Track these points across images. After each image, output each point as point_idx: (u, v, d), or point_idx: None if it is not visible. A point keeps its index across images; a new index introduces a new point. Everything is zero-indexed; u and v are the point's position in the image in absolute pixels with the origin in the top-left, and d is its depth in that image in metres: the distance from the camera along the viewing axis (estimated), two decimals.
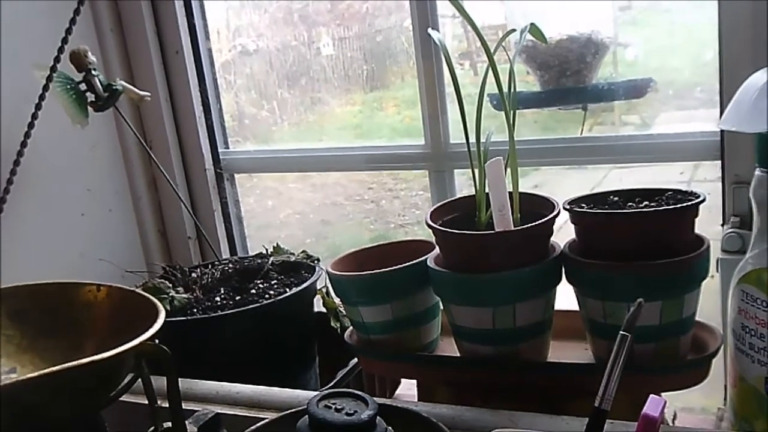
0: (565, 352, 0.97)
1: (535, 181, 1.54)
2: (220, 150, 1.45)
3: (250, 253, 1.37)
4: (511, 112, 1.00)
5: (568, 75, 1.20)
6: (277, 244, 1.29)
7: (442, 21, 1.28)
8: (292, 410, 0.80)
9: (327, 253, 1.70)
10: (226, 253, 1.46)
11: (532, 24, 1.07)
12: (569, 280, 0.93)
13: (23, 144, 1.06)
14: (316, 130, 1.59)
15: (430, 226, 0.95)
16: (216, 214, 1.44)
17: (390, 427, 0.73)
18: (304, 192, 1.69)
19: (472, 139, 0.99)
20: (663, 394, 0.84)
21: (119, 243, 1.38)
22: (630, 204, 0.94)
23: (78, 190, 1.31)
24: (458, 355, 0.98)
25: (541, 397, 0.93)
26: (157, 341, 1.09)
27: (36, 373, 0.76)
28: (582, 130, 1.23)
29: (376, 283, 0.99)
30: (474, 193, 1.00)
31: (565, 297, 0.97)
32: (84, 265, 1.28)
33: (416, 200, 1.68)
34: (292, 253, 1.26)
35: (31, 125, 1.07)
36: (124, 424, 0.92)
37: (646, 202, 0.92)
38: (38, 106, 1.07)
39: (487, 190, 0.95)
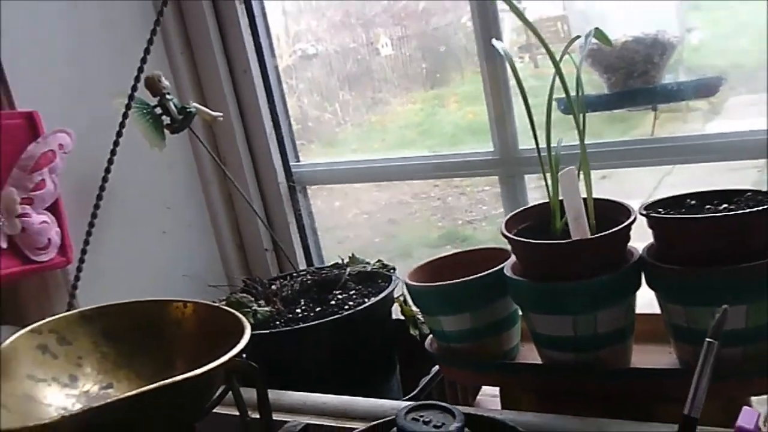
0: (649, 357, 0.97)
1: (602, 172, 1.53)
2: (291, 163, 1.48)
3: (326, 263, 1.40)
4: (581, 116, 1.01)
5: (635, 76, 1.20)
6: (353, 254, 1.32)
7: (501, 15, 1.27)
8: (379, 421, 0.82)
9: (396, 252, 1.74)
10: (302, 264, 1.49)
11: (596, 28, 1.07)
12: (650, 286, 0.93)
13: (107, 170, 1.11)
14: (379, 130, 1.60)
15: (506, 236, 0.96)
16: (291, 226, 1.48)
17: None
18: (371, 192, 1.70)
19: (542, 144, 1.00)
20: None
21: (200, 258, 1.43)
22: (708, 207, 0.93)
23: (158, 208, 1.35)
24: (539, 361, 0.99)
25: (626, 404, 0.93)
26: (244, 355, 1.13)
27: (136, 391, 0.80)
28: (653, 130, 1.22)
29: (454, 293, 1.00)
30: (546, 200, 1.01)
31: (646, 299, 0.98)
32: (168, 281, 1.33)
33: (482, 196, 1.68)
34: (368, 263, 1.29)
35: (113, 152, 1.11)
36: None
37: (725, 204, 0.92)
38: (119, 134, 1.12)
39: (561, 198, 0.96)
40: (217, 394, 0.92)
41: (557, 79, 1.01)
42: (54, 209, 1.10)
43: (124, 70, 1.22)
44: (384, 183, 1.62)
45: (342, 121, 1.61)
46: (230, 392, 0.91)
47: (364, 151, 1.62)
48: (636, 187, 1.35)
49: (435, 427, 0.73)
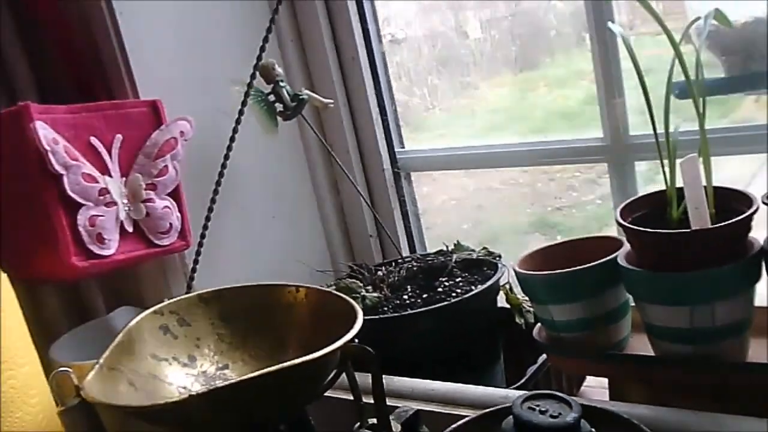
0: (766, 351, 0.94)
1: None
2: (396, 150, 1.49)
3: (429, 250, 1.41)
4: (701, 100, 0.98)
5: (755, 58, 1.15)
6: (458, 241, 1.32)
7: None
8: (493, 409, 0.82)
9: (484, 238, 1.71)
10: (405, 251, 1.51)
11: (716, 9, 1.04)
12: None
13: (226, 157, 1.14)
14: (467, 115, 1.59)
15: (621, 225, 0.94)
16: (395, 213, 1.49)
17: (593, 430, 0.74)
18: (459, 178, 1.70)
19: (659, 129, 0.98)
20: None
21: (306, 243, 1.46)
22: None
23: (268, 194, 1.39)
24: (650, 353, 0.97)
25: (742, 399, 0.91)
26: (356, 340, 1.15)
27: (257, 373, 0.83)
28: None
29: (566, 282, 1.00)
30: (664, 188, 0.99)
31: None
32: (276, 266, 1.36)
33: (573, 182, 1.64)
34: (473, 250, 1.29)
35: (232, 139, 1.15)
36: (328, 416, 0.97)
37: None
38: (238, 121, 1.15)
39: (679, 185, 0.94)
40: (330, 377, 0.95)
41: (676, 62, 0.99)
42: (175, 195, 1.15)
43: (239, 59, 1.26)
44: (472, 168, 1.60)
45: (430, 105, 1.61)
46: (342, 376, 0.93)
47: (453, 136, 1.62)
48: (733, 175, 1.31)
49: (552, 417, 0.73)
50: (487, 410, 0.81)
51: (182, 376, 1.01)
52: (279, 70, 1.25)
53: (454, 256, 1.25)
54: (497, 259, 1.24)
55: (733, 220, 0.87)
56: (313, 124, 1.46)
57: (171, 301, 1.05)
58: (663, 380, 0.96)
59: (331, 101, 1.32)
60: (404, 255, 1.41)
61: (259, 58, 1.17)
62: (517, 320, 1.19)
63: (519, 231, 1.75)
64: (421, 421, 0.94)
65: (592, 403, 0.83)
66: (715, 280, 0.88)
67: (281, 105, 1.27)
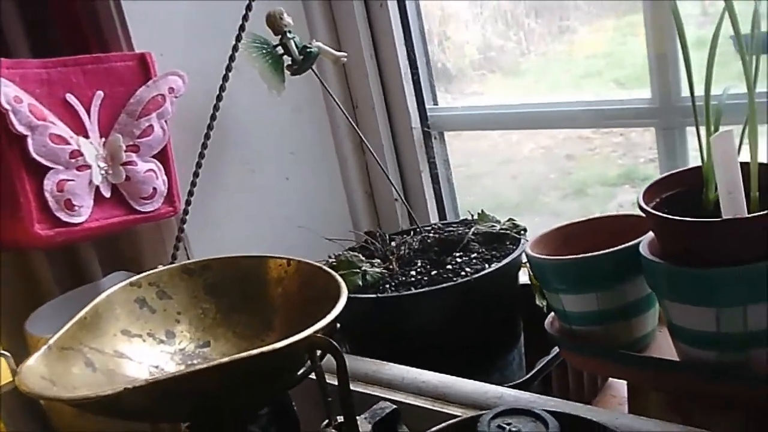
0: None
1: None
2: (427, 107, 1.36)
3: (462, 217, 1.29)
4: (755, 58, 0.81)
5: None
6: (482, 210, 1.19)
7: None
8: (458, 420, 0.71)
9: (570, 189, 1.64)
10: (434, 217, 1.39)
11: None
12: None
13: (212, 117, 1.05)
14: (564, 60, 1.47)
15: (641, 209, 0.80)
16: (423, 175, 1.37)
17: None
18: None
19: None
20: None
21: (326, 206, 1.36)
22: None
23: (282, 153, 1.29)
24: (674, 357, 0.83)
25: None
26: (338, 325, 1.05)
27: (208, 364, 0.75)
28: None
29: (580, 269, 0.86)
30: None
31: None
32: (290, 231, 1.27)
33: None
34: (498, 221, 1.16)
35: (219, 97, 1.05)
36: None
37: None
38: (225, 78, 1.06)
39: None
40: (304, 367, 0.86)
41: (726, 14, 0.82)
42: (162, 157, 1.06)
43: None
44: None
45: (526, 50, 1.49)
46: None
47: (547, 82, 1.52)
48: None
49: None
50: (451, 422, 0.70)
51: (156, 353, 0.94)
52: (288, 19, 1.14)
53: (473, 228, 1.12)
54: (522, 233, 1.11)
55: None
56: (338, 77, 1.35)
57: (151, 272, 0.98)
58: (682, 389, 0.82)
59: (345, 54, 1.20)
60: (428, 223, 1.29)
61: (248, 4, 1.05)
62: (538, 302, 1.06)
63: (608, 183, 1.65)
64: (399, 420, 0.84)
65: (580, 413, 0.70)
66: (748, 279, 0.73)
67: (290, 58, 1.15)
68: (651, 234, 0.83)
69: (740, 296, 0.74)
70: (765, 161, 0.80)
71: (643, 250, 0.82)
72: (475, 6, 1.45)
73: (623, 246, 0.84)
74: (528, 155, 1.66)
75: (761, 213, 0.72)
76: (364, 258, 1.10)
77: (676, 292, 0.78)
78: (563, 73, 1.50)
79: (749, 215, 0.74)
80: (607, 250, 0.85)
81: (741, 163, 0.78)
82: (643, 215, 0.84)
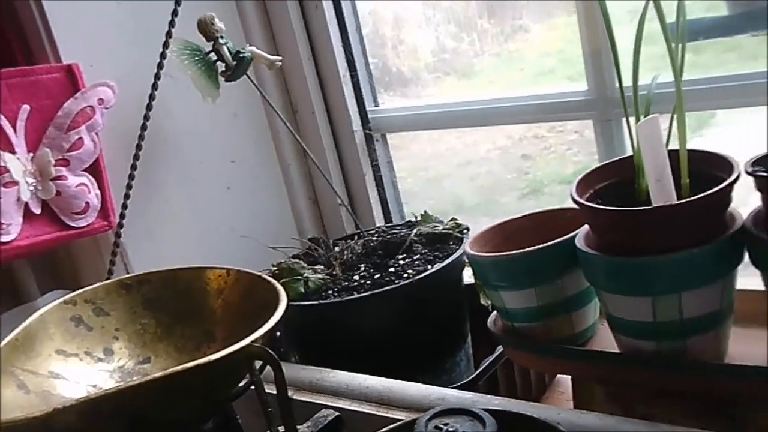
0: (751, 347, 0.79)
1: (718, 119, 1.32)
2: (368, 109, 1.35)
3: (408, 219, 1.28)
4: (679, 46, 0.82)
5: None
6: (425, 211, 1.18)
7: None
8: (397, 425, 0.70)
9: (527, 189, 1.63)
10: (380, 220, 1.37)
11: None
12: (753, 263, 0.74)
13: (143, 127, 1.03)
14: (518, 59, 1.48)
15: (574, 200, 0.79)
16: (367, 179, 1.36)
17: None
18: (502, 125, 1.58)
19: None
20: None
21: (269, 213, 1.33)
22: None
23: (222, 162, 1.26)
24: (615, 349, 0.83)
25: (719, 404, 0.76)
26: (278, 333, 1.03)
27: (140, 380, 0.73)
28: None
29: (516, 265, 0.86)
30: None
31: None
32: (232, 242, 1.25)
33: None
34: (441, 222, 1.15)
35: (149, 106, 1.03)
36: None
37: None
38: (154, 85, 1.03)
39: None
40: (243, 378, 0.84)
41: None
42: (94, 170, 1.03)
43: (182, 13, 1.12)
44: None
45: (480, 51, 1.49)
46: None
47: (501, 82, 1.51)
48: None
49: None
50: (391, 426, 0.69)
51: (94, 372, 0.92)
52: (219, 24, 1.12)
53: (415, 230, 1.11)
54: (464, 233, 1.10)
55: (700, 195, 0.72)
56: (276, 81, 1.33)
57: (87, 288, 0.95)
58: (625, 380, 0.82)
59: (280, 59, 1.18)
60: (373, 226, 1.28)
61: (174, 13, 1.03)
62: (483, 302, 1.05)
63: (565, 181, 1.62)
64: (341, 428, 0.82)
65: (520, 409, 0.70)
66: (681, 266, 0.73)
67: (223, 64, 1.13)
68: (587, 226, 0.83)
69: (674, 284, 0.74)
70: (694, 148, 0.81)
71: (579, 242, 0.81)
72: (428, 8, 1.44)
73: (558, 240, 0.84)
74: (485, 156, 1.65)
75: (690, 199, 0.73)
76: (306, 265, 1.09)
77: (612, 283, 0.78)
78: (517, 72, 1.50)
79: (678, 202, 0.74)
80: (542, 245, 0.84)
81: (670, 151, 0.78)
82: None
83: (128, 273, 1.11)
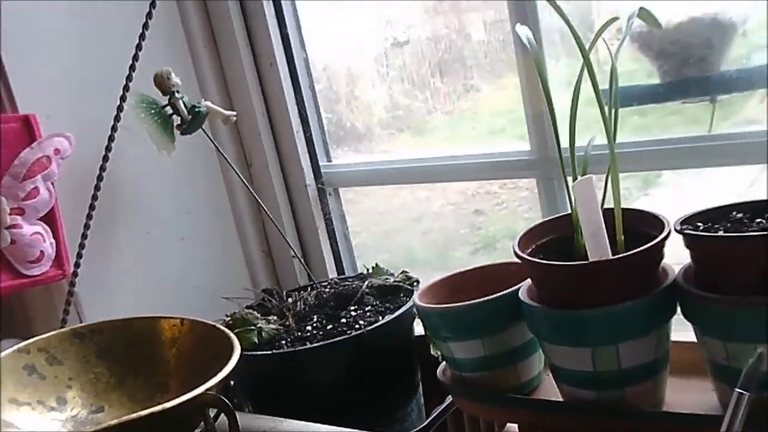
0: (687, 395, 0.83)
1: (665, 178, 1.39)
2: (321, 163, 1.39)
3: (360, 271, 1.31)
4: (612, 111, 0.87)
5: (691, 63, 1.04)
6: (377, 264, 1.22)
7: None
8: None
9: (480, 244, 1.65)
10: (332, 272, 1.40)
11: (641, 8, 0.93)
12: (685, 315, 0.79)
13: (99, 178, 1.05)
14: (470, 118, 1.52)
15: (516, 255, 0.84)
16: (320, 232, 1.39)
17: None
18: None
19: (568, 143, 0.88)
20: None
21: (223, 264, 1.36)
22: (759, 221, 0.78)
23: (177, 213, 1.29)
24: (559, 398, 0.87)
25: None
26: (232, 383, 1.04)
27: (95, 428, 0.74)
28: (711, 126, 1.06)
29: (463, 317, 0.89)
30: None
31: None
32: (186, 292, 1.26)
33: None
34: (391, 274, 1.19)
35: (105, 158, 1.06)
36: None
37: None
38: (111, 138, 1.06)
39: None
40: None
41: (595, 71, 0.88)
42: (49, 219, 1.05)
43: (139, 67, 1.15)
44: None
45: (432, 108, 1.54)
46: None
47: (454, 139, 1.54)
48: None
49: None
50: None
51: (47, 422, 0.93)
52: (176, 79, 1.15)
53: (366, 282, 1.15)
54: (415, 285, 1.14)
55: (633, 251, 0.77)
56: (231, 135, 1.36)
57: (40, 337, 0.96)
58: (569, 429, 0.85)
59: (234, 114, 1.22)
60: (325, 278, 1.31)
61: (131, 67, 1.07)
62: (433, 352, 1.08)
63: (515, 236, 1.65)
64: None
65: None
66: (618, 319, 0.77)
67: (179, 118, 1.16)
68: (530, 280, 0.87)
69: (611, 335, 0.78)
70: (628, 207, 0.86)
71: (522, 295, 0.85)
72: (381, 66, 1.49)
73: (503, 293, 0.88)
74: (438, 211, 1.67)
75: (624, 255, 0.77)
76: (260, 315, 1.11)
77: (554, 334, 0.82)
78: (469, 130, 1.53)
79: (612, 257, 0.79)
80: (487, 297, 0.88)
81: (606, 209, 0.83)
82: None
83: (81, 322, 1.12)
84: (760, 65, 1.01)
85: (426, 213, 1.70)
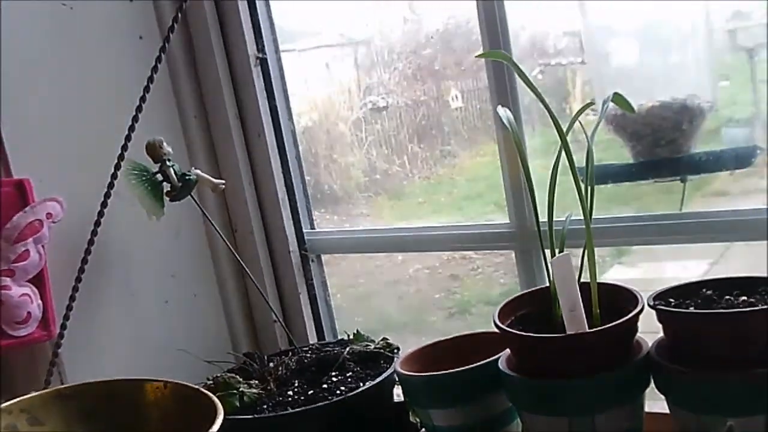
0: None
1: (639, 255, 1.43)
2: (305, 231, 1.42)
3: (341, 336, 1.33)
4: (588, 189, 0.92)
5: (662, 145, 1.10)
6: (358, 330, 1.24)
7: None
8: None
9: (455, 309, 1.69)
10: (313, 337, 1.42)
11: (616, 93, 0.99)
12: (657, 388, 0.82)
13: (90, 242, 1.07)
14: (447, 183, 1.56)
15: (496, 326, 0.87)
16: (302, 297, 1.41)
17: None
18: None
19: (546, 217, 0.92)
20: None
21: (206, 328, 1.37)
22: (727, 298, 0.82)
23: (162, 277, 1.31)
24: None
25: None
26: None
27: None
28: (681, 204, 1.11)
29: (442, 385, 0.92)
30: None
31: None
32: (169, 355, 1.27)
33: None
34: (372, 341, 1.21)
35: (97, 223, 1.08)
36: None
37: (744, 297, 0.81)
38: (104, 204, 1.09)
39: None
40: None
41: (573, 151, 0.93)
42: (38, 281, 1.07)
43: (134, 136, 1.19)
44: None
45: (410, 173, 1.58)
46: None
47: (431, 203, 1.59)
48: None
49: None
50: None
51: None
52: (167, 148, 1.18)
53: (347, 348, 1.17)
54: (395, 352, 1.16)
55: (609, 325, 0.80)
56: (217, 202, 1.39)
57: (23, 397, 0.97)
58: None
59: (223, 182, 1.25)
60: (306, 343, 1.33)
61: (127, 137, 1.10)
62: (412, 419, 1.10)
63: (491, 302, 1.68)
64: None
65: None
66: (594, 390, 0.80)
67: (169, 185, 1.19)
68: (509, 350, 0.90)
69: (587, 405, 0.81)
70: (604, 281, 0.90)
71: (501, 365, 0.88)
72: (359, 131, 1.52)
73: (483, 362, 0.91)
74: (413, 275, 1.70)
75: (599, 328, 0.81)
76: (242, 379, 1.12)
77: (532, 403, 0.85)
78: (446, 195, 1.57)
79: (590, 330, 0.82)
80: (467, 366, 0.91)
81: (582, 283, 0.87)
82: None
83: (63, 383, 1.13)
84: (730, 148, 1.07)
85: (402, 277, 1.72)
